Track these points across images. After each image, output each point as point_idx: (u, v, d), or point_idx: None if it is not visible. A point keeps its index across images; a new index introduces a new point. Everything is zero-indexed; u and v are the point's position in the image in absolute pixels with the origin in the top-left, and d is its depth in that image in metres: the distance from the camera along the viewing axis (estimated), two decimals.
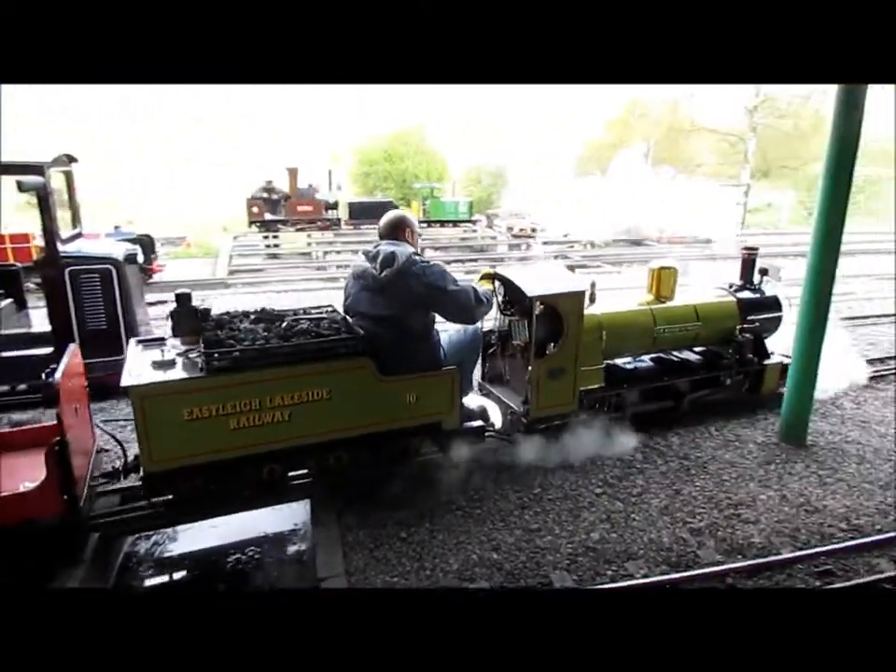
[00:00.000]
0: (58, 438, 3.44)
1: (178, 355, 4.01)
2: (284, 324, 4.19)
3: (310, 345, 3.96)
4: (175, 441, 3.71)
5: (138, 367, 3.85)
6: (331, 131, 37.19)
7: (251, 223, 19.92)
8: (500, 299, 5.10)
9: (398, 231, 4.40)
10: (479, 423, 4.78)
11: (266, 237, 19.44)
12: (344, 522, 4.14)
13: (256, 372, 3.80)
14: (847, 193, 4.70)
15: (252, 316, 4.36)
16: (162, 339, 4.30)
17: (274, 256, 18.72)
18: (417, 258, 4.20)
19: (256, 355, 3.82)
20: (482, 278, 4.92)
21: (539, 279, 4.84)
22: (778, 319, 6.08)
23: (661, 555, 3.91)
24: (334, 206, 20.86)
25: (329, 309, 4.61)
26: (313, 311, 4.58)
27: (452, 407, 4.47)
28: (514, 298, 4.97)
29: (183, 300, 4.19)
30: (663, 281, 5.62)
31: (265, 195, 20.15)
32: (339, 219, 20.75)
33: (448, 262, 16.74)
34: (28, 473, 3.68)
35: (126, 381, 3.65)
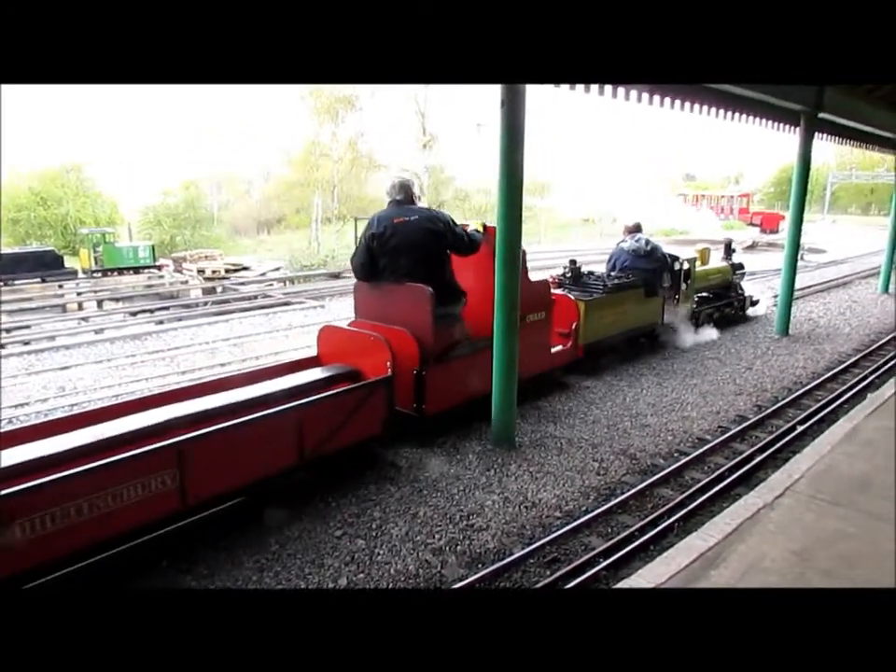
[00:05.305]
0: (576, 322, 7.38)
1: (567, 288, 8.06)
2: (612, 274, 8.57)
3: (630, 282, 8.36)
4: (592, 329, 7.61)
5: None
6: None
7: None
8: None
9: (636, 230, 8.85)
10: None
11: None
12: None
13: (613, 294, 7.99)
14: (520, 218, 5.32)
15: (588, 273, 8.48)
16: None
17: None
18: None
19: (618, 284, 8.19)
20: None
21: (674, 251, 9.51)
22: (744, 274, 11.63)
23: (409, 584, 3.88)
24: None
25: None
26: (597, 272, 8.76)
27: (661, 314, 8.96)
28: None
29: (574, 263, 8.33)
30: (704, 254, 10.55)
31: None
32: None
33: (134, 314, 15.10)
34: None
35: (581, 298, 7.58)
